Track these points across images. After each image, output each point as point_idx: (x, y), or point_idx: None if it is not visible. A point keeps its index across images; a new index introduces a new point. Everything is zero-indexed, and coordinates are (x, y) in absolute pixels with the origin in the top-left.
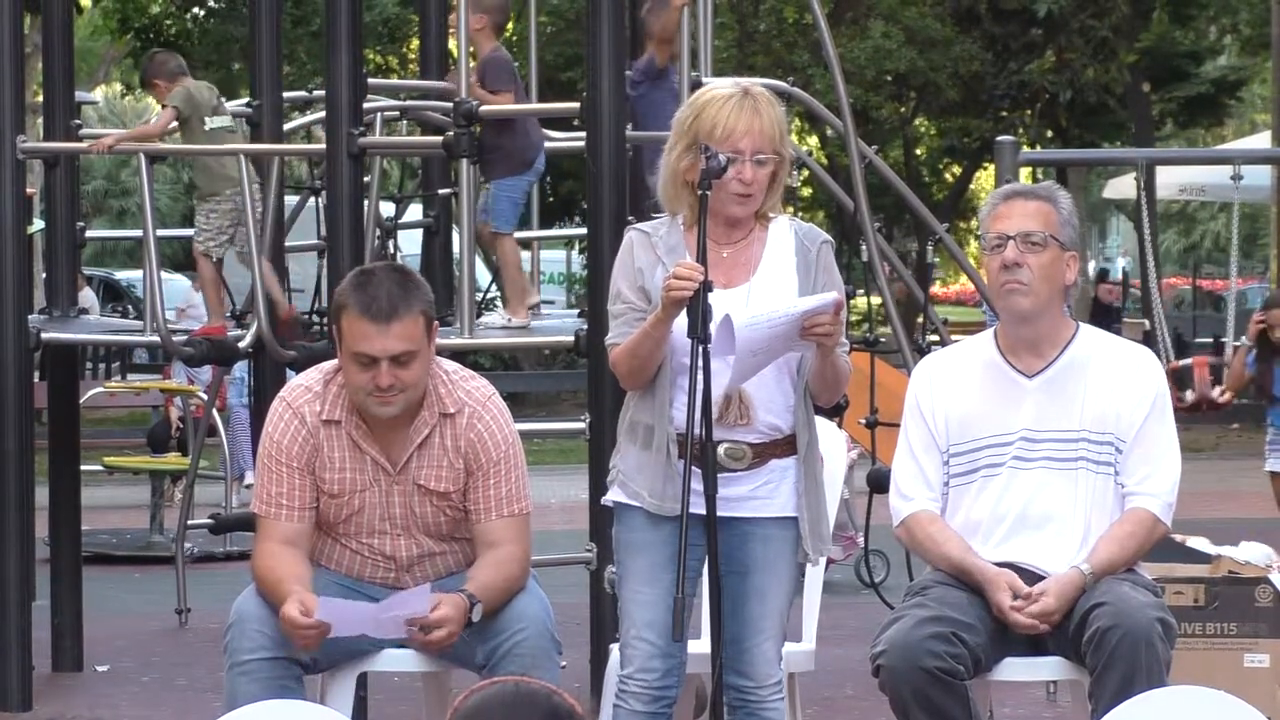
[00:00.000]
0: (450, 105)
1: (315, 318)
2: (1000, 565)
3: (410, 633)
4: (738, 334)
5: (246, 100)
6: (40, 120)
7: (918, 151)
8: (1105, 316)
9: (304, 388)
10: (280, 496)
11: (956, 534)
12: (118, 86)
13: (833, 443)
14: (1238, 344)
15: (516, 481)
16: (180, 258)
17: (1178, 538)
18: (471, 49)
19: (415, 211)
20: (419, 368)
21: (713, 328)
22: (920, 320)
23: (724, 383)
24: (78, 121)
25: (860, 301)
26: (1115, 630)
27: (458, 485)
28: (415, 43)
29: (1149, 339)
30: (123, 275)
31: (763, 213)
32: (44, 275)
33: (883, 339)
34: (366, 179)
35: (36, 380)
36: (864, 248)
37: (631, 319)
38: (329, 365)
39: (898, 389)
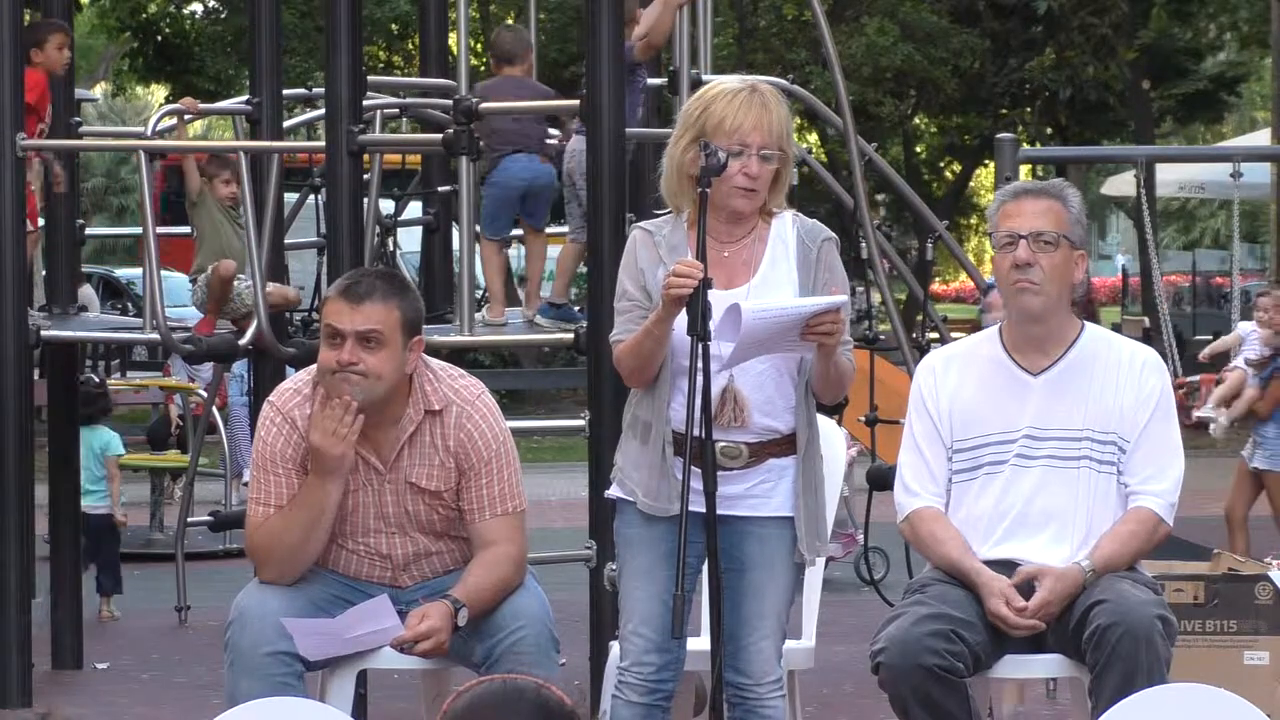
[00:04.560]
0: (450, 103)
1: (315, 315)
2: (1001, 563)
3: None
4: (745, 321)
5: (246, 98)
6: None
7: (918, 149)
8: None
9: (292, 390)
10: (277, 499)
11: (958, 533)
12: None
13: (832, 440)
14: (1233, 367)
15: (509, 479)
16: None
17: None
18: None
19: (415, 209)
20: (386, 359)
21: (718, 315)
22: (920, 318)
23: (718, 367)
24: (77, 119)
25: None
26: (1116, 628)
27: (449, 484)
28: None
29: (1149, 336)
30: (122, 272)
31: (767, 209)
32: (44, 273)
33: (882, 336)
34: (366, 176)
35: (36, 378)
36: (863, 245)
37: (635, 316)
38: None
39: (897, 386)
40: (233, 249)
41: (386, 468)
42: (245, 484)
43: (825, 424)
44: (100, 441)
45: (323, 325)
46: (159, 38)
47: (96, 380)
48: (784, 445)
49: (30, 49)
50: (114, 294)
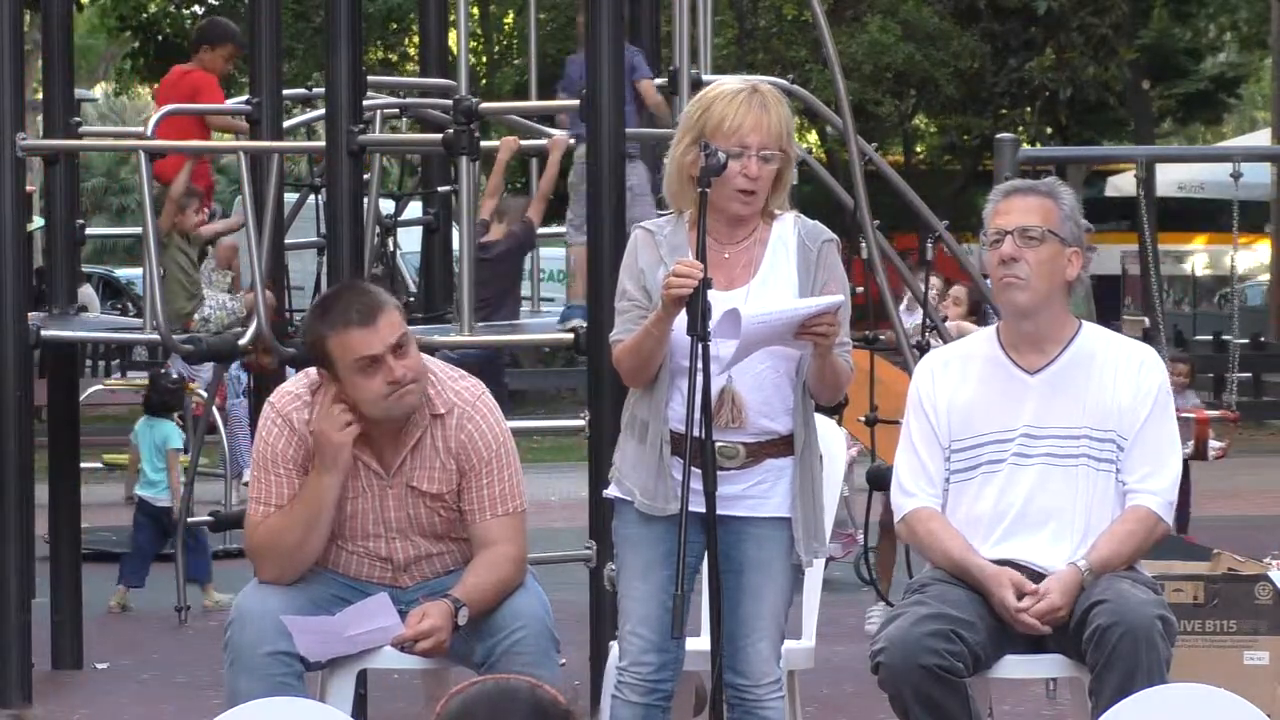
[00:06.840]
0: (450, 103)
1: None
2: (1000, 563)
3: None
4: (744, 327)
5: (246, 98)
6: (40, 118)
7: (918, 149)
8: None
9: (292, 395)
10: (277, 499)
11: (957, 532)
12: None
13: (832, 440)
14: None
15: (509, 480)
16: None
17: None
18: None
19: (415, 209)
20: (416, 355)
21: (717, 317)
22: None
23: (718, 368)
24: (77, 119)
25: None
26: (1116, 628)
27: (450, 486)
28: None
29: (1149, 336)
30: (122, 272)
31: (768, 210)
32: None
33: (882, 336)
34: (366, 176)
35: (36, 378)
36: (864, 245)
37: (635, 316)
38: (315, 375)
39: (897, 386)
40: (201, 290)
41: (389, 473)
42: (245, 484)
43: (825, 424)
44: (161, 435)
45: (350, 361)
46: (159, 37)
47: (175, 375)
48: (782, 446)
49: (203, 45)
50: (114, 294)
